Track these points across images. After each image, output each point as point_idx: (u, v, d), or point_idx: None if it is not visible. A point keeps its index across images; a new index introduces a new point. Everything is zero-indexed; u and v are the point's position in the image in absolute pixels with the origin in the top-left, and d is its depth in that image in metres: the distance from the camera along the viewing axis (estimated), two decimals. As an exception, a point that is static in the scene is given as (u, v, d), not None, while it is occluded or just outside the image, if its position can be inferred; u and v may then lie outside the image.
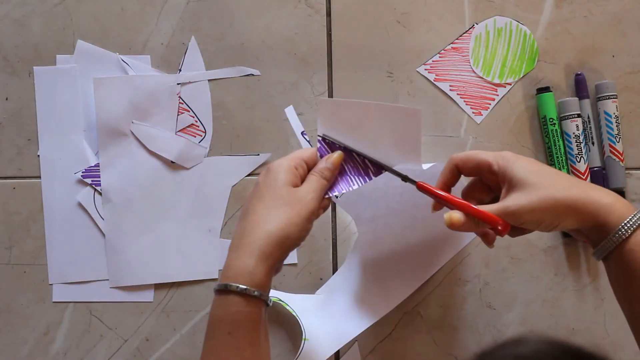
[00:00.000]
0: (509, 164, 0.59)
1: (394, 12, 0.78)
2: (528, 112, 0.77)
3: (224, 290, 0.58)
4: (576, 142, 0.75)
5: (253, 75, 0.77)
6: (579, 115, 0.75)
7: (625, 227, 0.56)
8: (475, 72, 0.78)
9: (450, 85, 0.77)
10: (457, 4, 0.78)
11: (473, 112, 0.77)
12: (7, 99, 0.77)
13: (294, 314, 0.71)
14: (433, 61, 0.78)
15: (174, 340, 0.76)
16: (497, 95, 0.77)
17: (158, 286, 0.76)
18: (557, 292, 0.76)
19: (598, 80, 0.76)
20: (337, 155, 0.64)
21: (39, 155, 0.77)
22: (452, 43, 0.78)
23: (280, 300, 0.73)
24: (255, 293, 0.58)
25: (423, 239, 0.74)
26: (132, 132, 0.76)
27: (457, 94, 0.77)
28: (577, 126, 0.75)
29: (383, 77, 0.77)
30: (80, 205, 0.76)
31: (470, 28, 0.78)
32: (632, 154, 0.77)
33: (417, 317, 0.76)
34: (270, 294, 0.61)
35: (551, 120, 0.75)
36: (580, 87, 0.76)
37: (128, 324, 0.76)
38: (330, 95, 0.77)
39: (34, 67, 0.77)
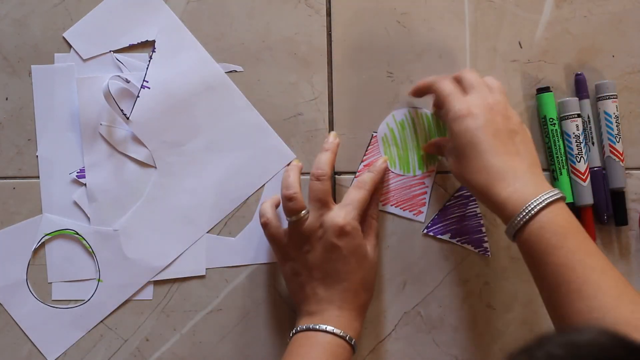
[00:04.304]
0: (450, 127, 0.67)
1: (394, 12, 0.78)
2: (528, 112, 0.77)
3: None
4: (576, 142, 0.75)
5: (236, 71, 0.77)
6: (579, 115, 0.75)
7: (515, 224, 0.62)
8: (395, 174, 0.76)
9: (382, 200, 0.76)
10: (457, 4, 0.78)
11: (414, 214, 0.76)
12: (7, 99, 0.77)
13: (90, 250, 0.71)
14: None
15: (174, 340, 0.76)
16: (427, 186, 0.76)
17: (158, 285, 0.76)
18: (557, 292, 0.76)
19: (598, 80, 0.76)
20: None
21: (37, 156, 0.77)
22: (362, 162, 0.76)
23: (77, 233, 0.72)
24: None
25: (227, 166, 0.75)
26: (100, 134, 0.76)
27: (391, 205, 0.76)
28: (577, 126, 0.75)
29: (383, 77, 0.77)
30: (76, 204, 0.76)
31: (371, 138, 0.76)
32: (632, 154, 0.77)
33: (417, 317, 0.76)
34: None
35: (551, 120, 0.75)
36: (580, 87, 0.76)
37: (128, 323, 0.76)
38: (331, 95, 0.77)
39: (32, 65, 0.77)
